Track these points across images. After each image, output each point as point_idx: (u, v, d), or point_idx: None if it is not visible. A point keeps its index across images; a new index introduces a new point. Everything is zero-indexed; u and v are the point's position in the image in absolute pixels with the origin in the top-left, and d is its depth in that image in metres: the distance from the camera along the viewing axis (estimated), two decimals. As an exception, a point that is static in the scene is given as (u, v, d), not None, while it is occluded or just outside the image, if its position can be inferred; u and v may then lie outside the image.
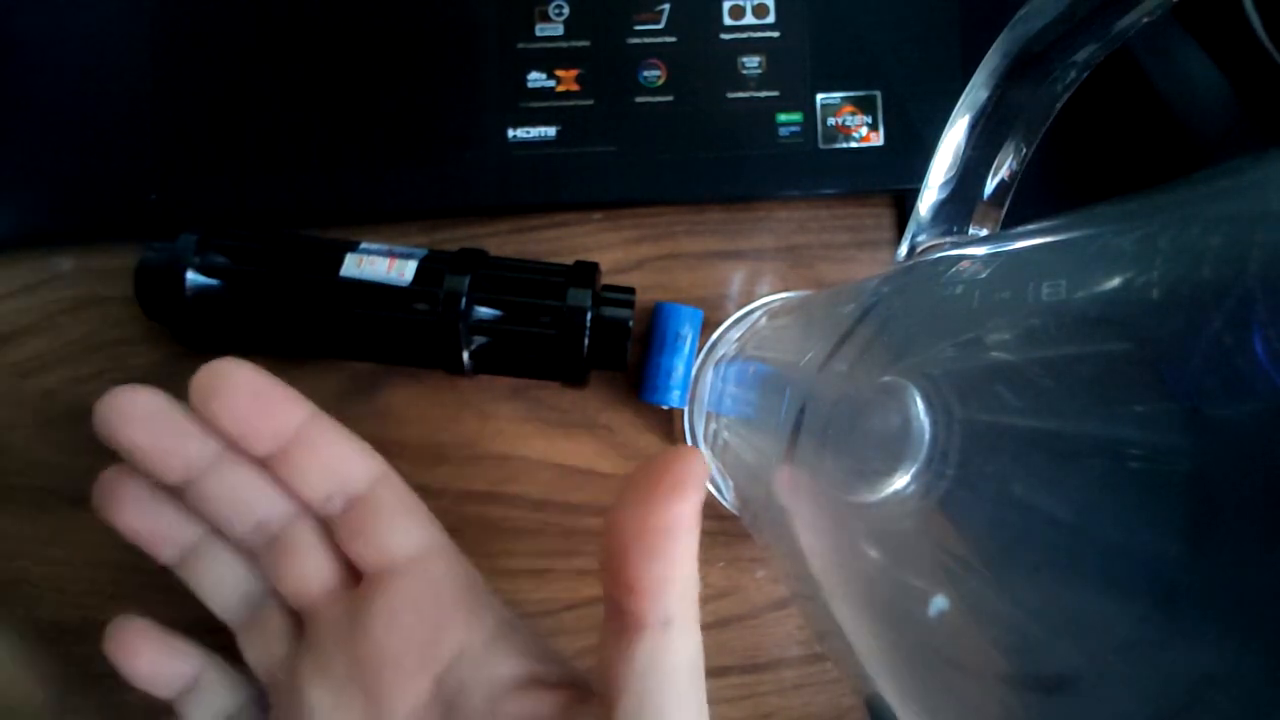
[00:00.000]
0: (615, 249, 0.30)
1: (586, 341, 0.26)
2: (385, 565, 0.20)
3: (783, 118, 0.29)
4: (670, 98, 0.29)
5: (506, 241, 0.30)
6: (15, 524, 0.28)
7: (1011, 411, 0.11)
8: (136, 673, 0.21)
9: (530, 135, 0.29)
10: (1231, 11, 0.25)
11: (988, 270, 0.14)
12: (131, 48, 0.28)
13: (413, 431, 0.30)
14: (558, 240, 0.30)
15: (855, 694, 0.16)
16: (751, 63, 0.29)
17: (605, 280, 0.29)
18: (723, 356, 0.28)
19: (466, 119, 0.29)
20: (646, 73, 0.29)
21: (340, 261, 0.26)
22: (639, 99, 0.29)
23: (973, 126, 0.17)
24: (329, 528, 0.21)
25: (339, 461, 0.20)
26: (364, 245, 0.27)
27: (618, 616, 0.16)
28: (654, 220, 0.30)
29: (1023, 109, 0.16)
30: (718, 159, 0.29)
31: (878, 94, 0.29)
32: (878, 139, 0.29)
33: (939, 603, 0.12)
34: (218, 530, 0.22)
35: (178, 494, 0.21)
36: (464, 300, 0.25)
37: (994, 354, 0.12)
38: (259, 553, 0.21)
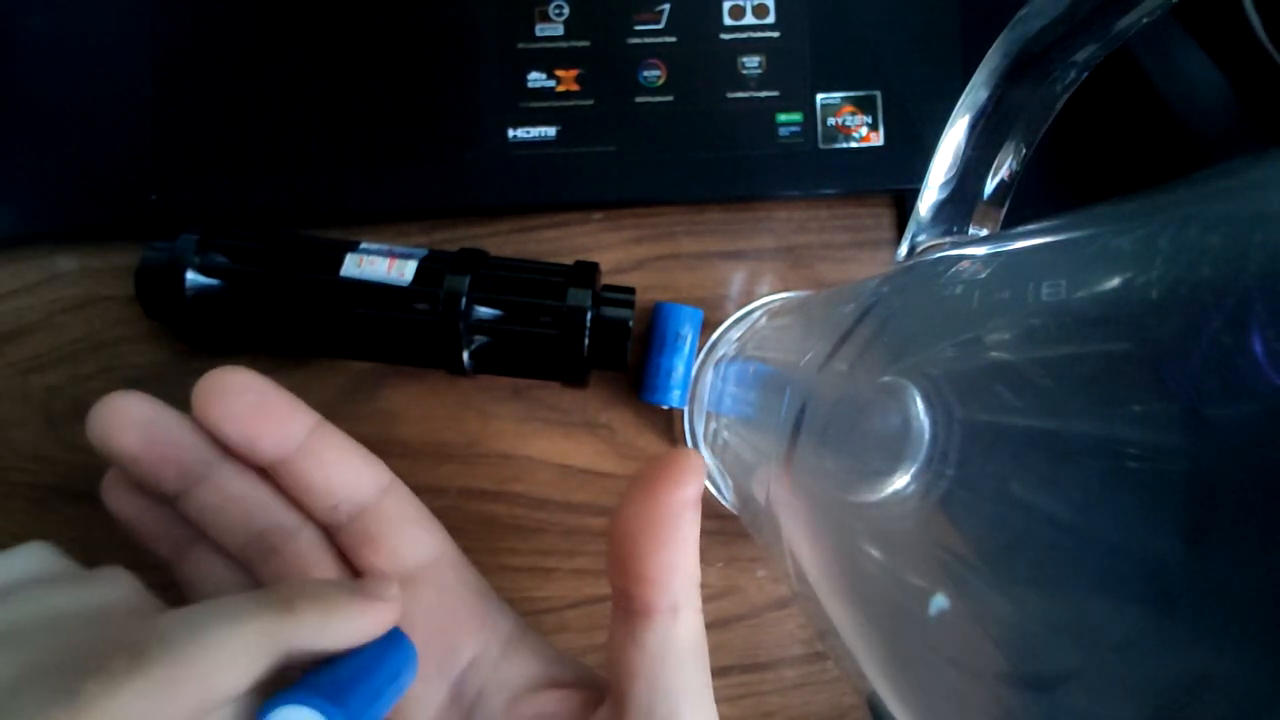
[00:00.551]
0: (615, 249, 0.30)
1: (586, 341, 0.26)
2: (397, 575, 0.20)
3: (783, 118, 0.29)
4: (670, 98, 0.29)
5: (506, 241, 0.30)
6: (18, 521, 0.28)
7: (1011, 411, 0.11)
8: None
9: (530, 135, 0.29)
10: (1231, 11, 0.25)
11: (988, 270, 0.14)
12: (132, 48, 0.28)
13: (414, 431, 0.30)
14: (558, 240, 0.30)
15: (856, 693, 0.16)
16: (751, 63, 0.29)
17: (605, 280, 0.29)
18: (723, 356, 0.28)
19: (466, 119, 0.29)
20: (646, 73, 0.29)
21: (340, 261, 0.26)
22: (639, 99, 0.29)
23: (973, 126, 0.17)
24: (333, 536, 0.21)
25: (346, 472, 0.20)
26: (364, 245, 0.27)
27: (627, 606, 0.17)
28: (654, 220, 0.30)
29: (1023, 109, 0.16)
30: (718, 159, 0.29)
31: (878, 94, 0.29)
32: (878, 139, 0.29)
33: (939, 602, 0.12)
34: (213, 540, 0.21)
35: (174, 502, 0.21)
36: (464, 300, 0.25)
37: (994, 354, 0.12)
38: (256, 563, 0.21)
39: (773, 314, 0.28)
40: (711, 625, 0.30)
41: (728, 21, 0.29)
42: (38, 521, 0.28)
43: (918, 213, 0.18)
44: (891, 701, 0.13)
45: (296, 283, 0.26)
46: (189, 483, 0.20)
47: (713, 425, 0.28)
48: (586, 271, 0.27)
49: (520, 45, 0.29)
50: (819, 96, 0.29)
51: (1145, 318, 0.09)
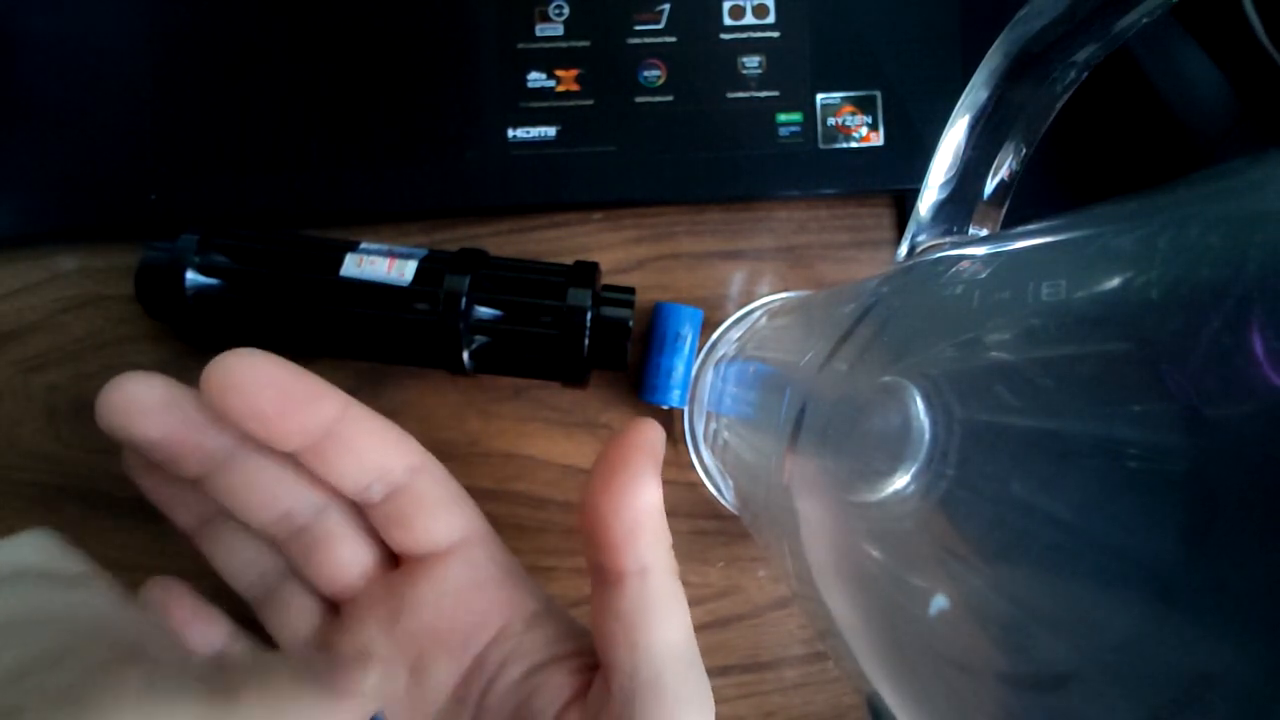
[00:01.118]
0: (615, 249, 0.30)
1: (587, 341, 0.26)
2: (428, 551, 0.20)
3: (783, 118, 0.29)
4: (670, 98, 0.29)
5: (506, 241, 0.30)
6: (22, 520, 0.28)
7: (1011, 411, 0.11)
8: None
9: (530, 135, 0.29)
10: (1231, 11, 0.25)
11: (988, 270, 0.14)
12: (133, 48, 0.28)
13: (415, 431, 0.29)
14: (558, 240, 0.30)
15: (856, 693, 0.16)
16: (751, 63, 0.29)
17: (605, 280, 0.29)
18: (723, 356, 0.28)
19: (466, 119, 0.29)
20: (646, 73, 0.29)
21: (340, 261, 0.26)
22: (639, 99, 0.29)
23: (973, 126, 0.17)
24: (362, 513, 0.20)
25: (376, 455, 0.19)
26: (364, 245, 0.27)
27: (602, 579, 0.17)
28: (654, 220, 0.30)
29: (1023, 109, 0.16)
30: (718, 159, 0.29)
31: (878, 94, 0.29)
32: (878, 139, 0.29)
33: (939, 602, 0.12)
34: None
35: (195, 482, 0.20)
36: (464, 300, 0.25)
37: (994, 354, 0.12)
38: (283, 540, 0.20)
39: (773, 314, 0.28)
40: (713, 625, 0.31)
41: (728, 21, 0.29)
42: (39, 520, 0.28)
43: (918, 213, 0.18)
44: (892, 701, 0.13)
45: (297, 282, 0.26)
46: (210, 468, 0.19)
47: (713, 425, 0.28)
48: (586, 271, 0.27)
49: (520, 45, 0.29)
50: (819, 96, 0.29)
51: (1145, 318, 0.09)
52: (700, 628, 0.30)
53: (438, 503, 0.20)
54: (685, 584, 0.30)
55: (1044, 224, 0.13)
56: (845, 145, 0.29)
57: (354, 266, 0.26)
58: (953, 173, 0.17)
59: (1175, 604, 0.08)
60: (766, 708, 0.31)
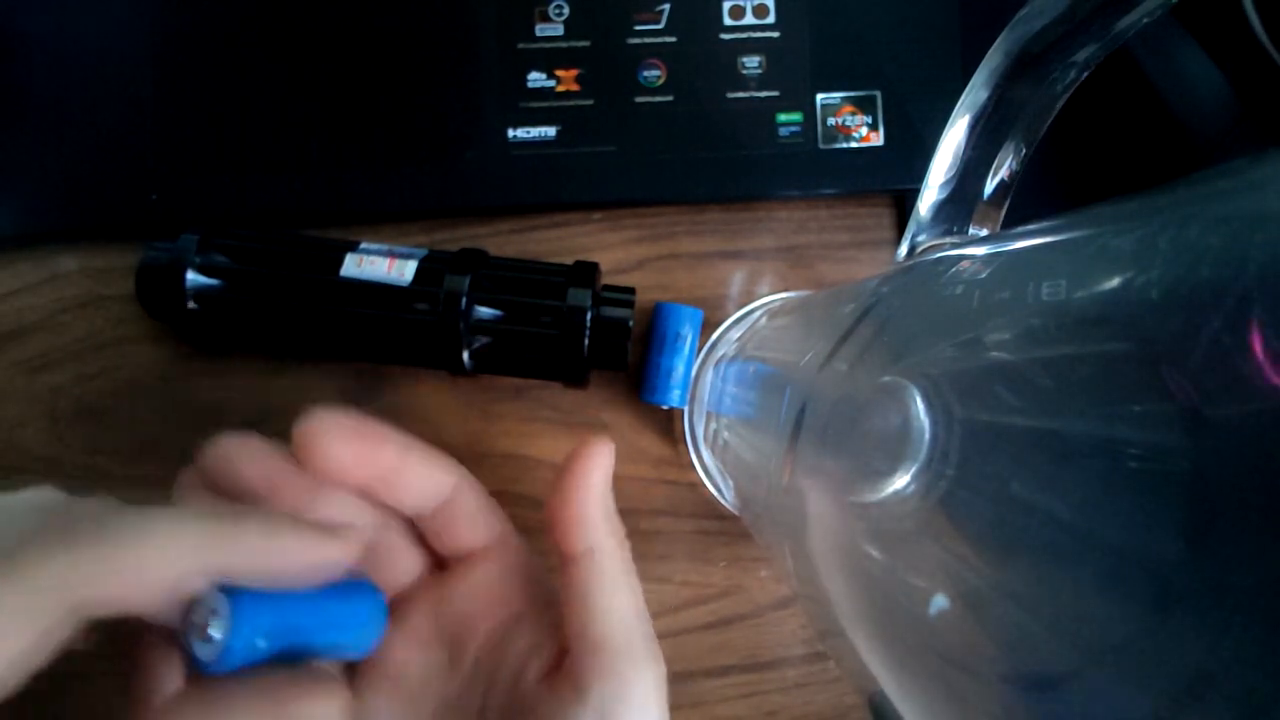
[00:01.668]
0: (615, 249, 0.30)
1: (587, 341, 0.26)
2: (466, 553, 0.23)
3: (783, 118, 0.29)
4: (670, 98, 0.29)
5: (506, 241, 0.30)
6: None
7: (1011, 411, 0.11)
8: None
9: (530, 135, 0.29)
10: (1231, 11, 0.25)
11: (988, 270, 0.14)
12: (133, 49, 0.28)
13: (415, 431, 0.29)
14: (558, 240, 0.30)
15: (857, 693, 0.16)
16: (751, 63, 0.29)
17: (605, 280, 0.29)
18: (723, 356, 0.28)
19: (466, 119, 0.29)
20: (646, 73, 0.29)
21: (340, 261, 0.26)
22: (639, 99, 0.29)
23: (973, 126, 0.17)
24: (414, 523, 0.23)
25: (428, 482, 0.22)
26: (364, 245, 0.27)
27: (561, 564, 0.21)
28: (654, 220, 0.30)
29: (1023, 109, 0.16)
30: (718, 159, 0.29)
31: (878, 94, 0.29)
32: (878, 139, 0.29)
33: (939, 602, 0.12)
34: None
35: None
36: (464, 300, 0.25)
37: (994, 354, 0.12)
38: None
39: (773, 314, 0.28)
40: (714, 625, 0.31)
41: (728, 21, 0.29)
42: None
43: (918, 213, 0.18)
44: (894, 700, 0.13)
45: (297, 283, 0.26)
46: (297, 504, 0.21)
47: (713, 425, 0.28)
48: (586, 271, 0.27)
49: (520, 45, 0.29)
50: (819, 96, 0.29)
51: (1145, 318, 0.09)
52: (702, 627, 0.31)
53: (474, 512, 0.23)
54: (687, 584, 0.30)
55: (1044, 224, 0.13)
56: (845, 145, 0.29)
57: (354, 266, 0.26)
58: (953, 173, 0.17)
59: (1175, 603, 0.08)
60: (767, 707, 0.31)
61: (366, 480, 0.21)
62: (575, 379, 0.27)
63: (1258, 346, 0.08)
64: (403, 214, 0.29)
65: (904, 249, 0.19)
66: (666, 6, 0.29)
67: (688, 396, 0.29)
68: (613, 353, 0.27)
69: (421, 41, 0.29)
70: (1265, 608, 0.07)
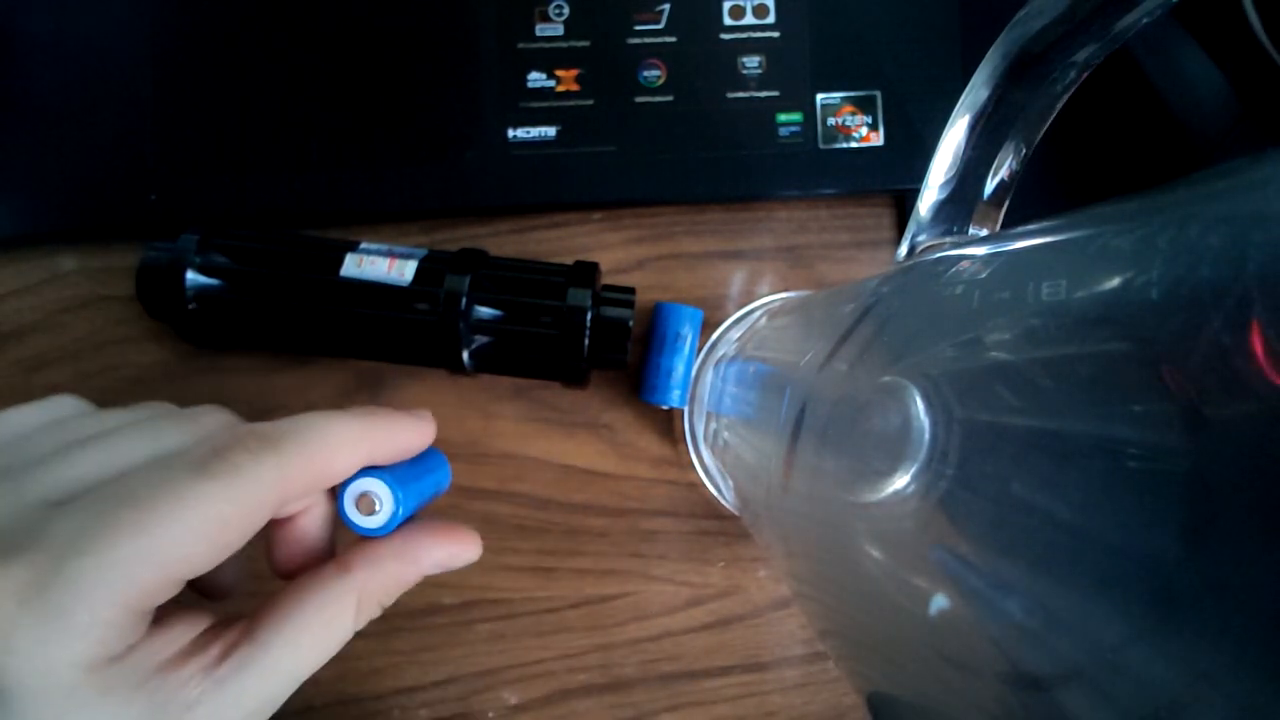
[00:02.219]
0: (615, 249, 0.30)
1: (587, 341, 0.26)
2: None
3: (783, 118, 0.29)
4: (670, 98, 0.29)
5: (506, 241, 0.30)
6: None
7: (1011, 411, 0.11)
8: None
9: (530, 135, 0.29)
10: (1231, 11, 0.25)
11: (988, 270, 0.14)
12: (133, 49, 0.28)
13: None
14: (558, 240, 0.30)
15: (856, 693, 0.16)
16: (751, 63, 0.29)
17: (605, 280, 0.29)
18: (723, 356, 0.28)
19: (466, 119, 0.29)
20: (646, 73, 0.29)
21: (340, 261, 0.26)
22: (639, 99, 0.29)
23: (973, 126, 0.17)
24: None
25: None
26: (364, 245, 0.27)
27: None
28: (654, 220, 0.30)
29: (1023, 109, 0.16)
30: (718, 159, 0.29)
31: (878, 94, 0.29)
32: (878, 139, 0.29)
33: (939, 602, 0.12)
34: None
35: None
36: (464, 300, 0.25)
37: (994, 354, 0.12)
38: None
39: (773, 314, 0.28)
40: (713, 625, 0.31)
41: (728, 21, 0.29)
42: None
43: (918, 213, 0.18)
44: (894, 701, 0.13)
45: (297, 283, 0.26)
46: None
47: (713, 425, 0.28)
48: (586, 271, 0.27)
49: (520, 45, 0.29)
50: (819, 96, 0.29)
51: (1145, 318, 0.09)
52: (701, 628, 0.31)
53: None
54: (686, 584, 0.31)
55: (1044, 224, 0.13)
56: (845, 145, 0.29)
57: (354, 266, 0.26)
58: (953, 173, 0.17)
59: (1175, 604, 0.08)
60: (767, 708, 0.31)
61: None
62: (575, 379, 0.27)
63: (1258, 346, 0.08)
64: (403, 214, 0.29)
65: (904, 249, 0.19)
66: (666, 6, 0.29)
67: (688, 396, 0.29)
68: (613, 353, 0.27)
69: (421, 41, 0.29)
70: (1265, 608, 0.07)
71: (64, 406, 0.18)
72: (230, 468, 0.15)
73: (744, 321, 0.29)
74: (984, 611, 0.11)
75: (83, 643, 0.14)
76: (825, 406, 0.17)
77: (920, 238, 0.18)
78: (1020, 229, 0.14)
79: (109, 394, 0.29)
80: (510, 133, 0.29)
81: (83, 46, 0.28)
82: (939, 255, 0.17)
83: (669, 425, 0.30)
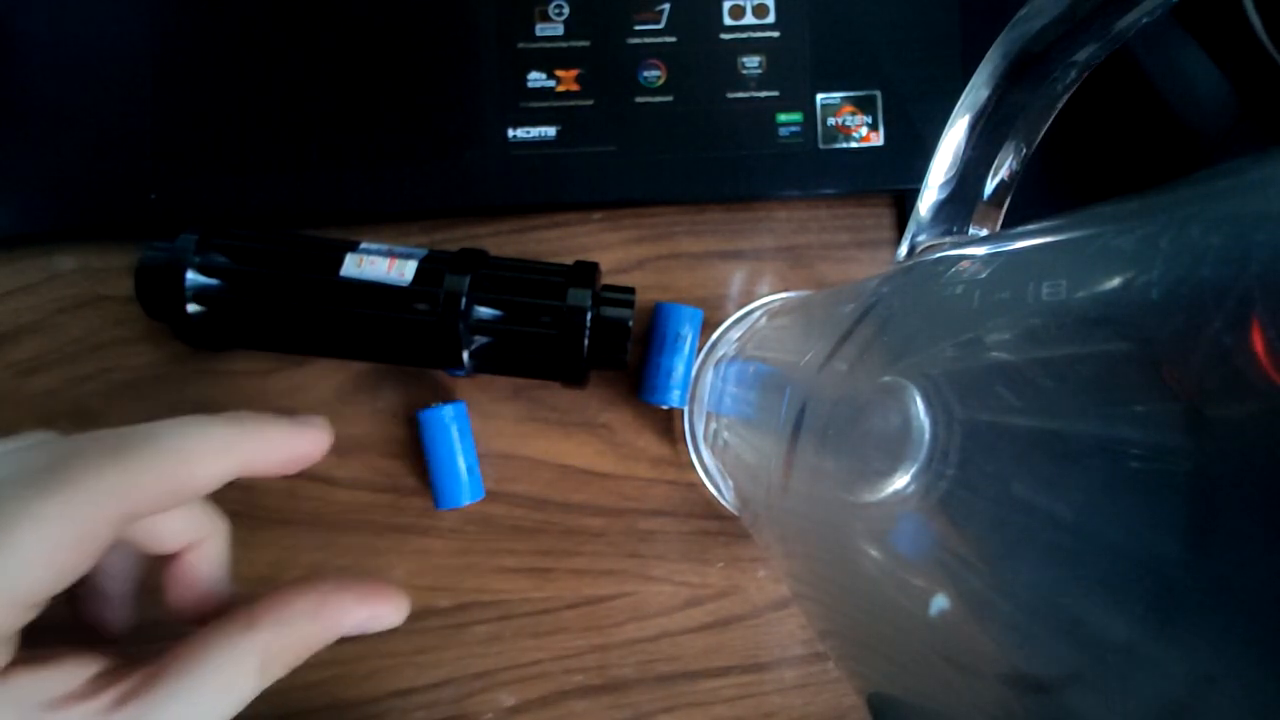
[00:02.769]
0: (615, 249, 0.30)
1: (586, 341, 0.26)
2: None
3: (783, 118, 0.29)
4: (670, 98, 0.29)
5: (506, 241, 0.30)
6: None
7: (1011, 411, 0.11)
8: None
9: (530, 135, 0.29)
10: (1231, 11, 0.25)
11: (988, 270, 0.14)
12: (132, 48, 0.28)
13: (415, 431, 0.30)
14: (558, 240, 0.30)
15: (856, 693, 0.16)
16: (751, 63, 0.29)
17: (605, 280, 0.29)
18: (723, 356, 0.28)
19: (466, 119, 0.29)
20: (646, 73, 0.29)
21: (340, 261, 0.26)
22: (639, 99, 0.29)
23: (973, 126, 0.17)
24: None
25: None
26: (364, 245, 0.27)
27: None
28: (654, 220, 0.30)
29: (1023, 109, 0.16)
30: (718, 159, 0.29)
31: (878, 94, 0.29)
32: (878, 139, 0.29)
33: (939, 602, 0.12)
34: None
35: None
36: (464, 300, 0.25)
37: (994, 354, 0.12)
38: None
39: (773, 314, 0.28)
40: (713, 625, 0.31)
41: (728, 21, 0.29)
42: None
43: (918, 213, 0.18)
44: (894, 701, 0.13)
45: (296, 283, 0.26)
46: None
47: (713, 425, 0.28)
48: (586, 271, 0.27)
49: (520, 45, 0.29)
50: (819, 96, 0.29)
51: (1146, 318, 0.09)
52: (700, 628, 0.31)
53: None
54: (685, 584, 0.30)
55: (1044, 224, 0.13)
56: (845, 145, 0.29)
57: (354, 266, 0.26)
58: (953, 173, 0.17)
59: (1177, 604, 0.08)
60: (766, 708, 0.31)
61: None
62: (575, 379, 0.27)
63: (1259, 346, 0.08)
64: (403, 214, 0.29)
65: (904, 249, 0.19)
66: (666, 6, 0.29)
67: (687, 396, 0.29)
68: (613, 353, 0.27)
69: (421, 42, 0.29)
70: (1266, 608, 0.07)
71: None
72: (62, 482, 0.14)
73: (744, 321, 0.29)
74: (984, 612, 0.11)
75: None
76: (825, 406, 0.17)
77: (920, 238, 0.18)
78: (1020, 229, 0.14)
79: (106, 395, 0.29)
80: (510, 133, 0.29)
81: (83, 46, 0.28)
82: (939, 255, 0.17)
83: (669, 425, 0.30)
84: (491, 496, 0.30)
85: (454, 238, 0.30)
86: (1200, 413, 0.08)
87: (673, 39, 0.29)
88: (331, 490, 0.29)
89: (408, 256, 0.26)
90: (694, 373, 0.29)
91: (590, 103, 0.29)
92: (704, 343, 0.30)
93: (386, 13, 0.29)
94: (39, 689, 0.15)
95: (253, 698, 0.16)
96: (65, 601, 0.18)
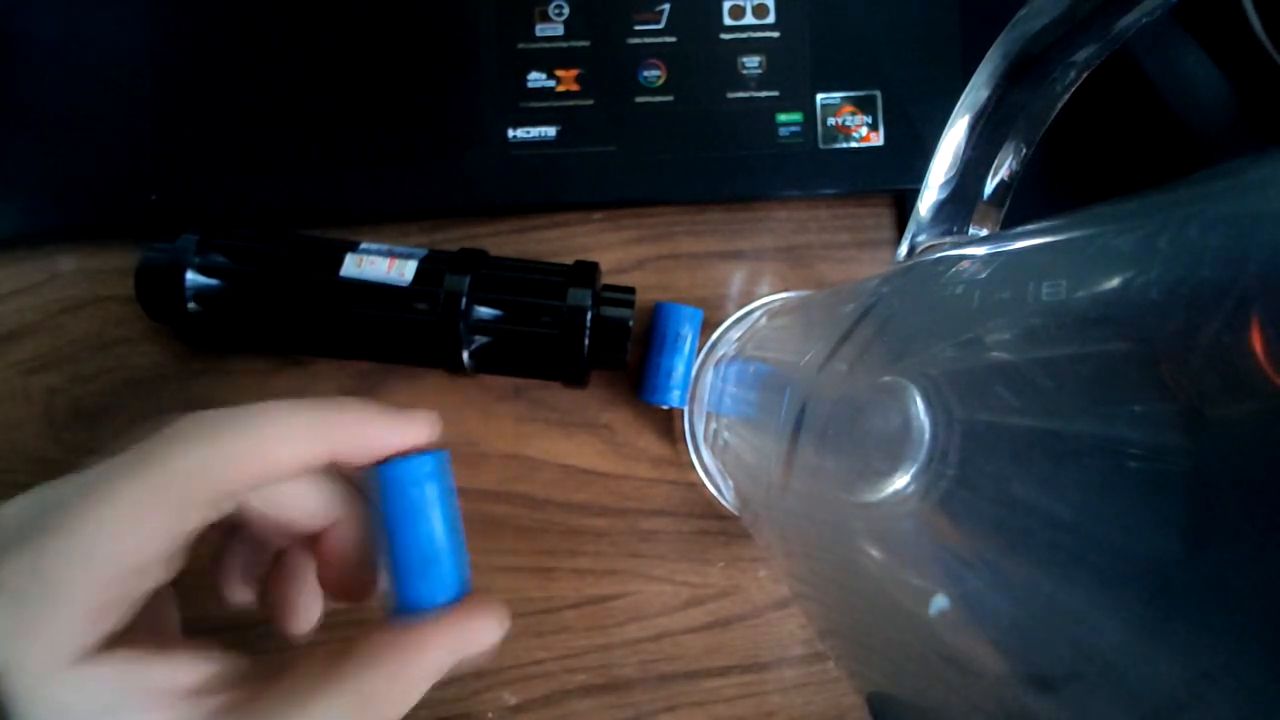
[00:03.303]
0: (615, 249, 0.30)
1: (587, 341, 0.26)
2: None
3: (783, 118, 0.29)
4: (670, 98, 0.29)
5: (506, 241, 0.30)
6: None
7: (1011, 411, 0.11)
8: None
9: (530, 135, 0.29)
10: (1231, 11, 0.25)
11: (988, 270, 0.14)
12: (133, 49, 0.28)
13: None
14: (558, 240, 0.30)
15: (856, 693, 0.16)
16: (751, 63, 0.29)
17: (605, 280, 0.29)
18: (723, 356, 0.28)
19: (466, 119, 0.29)
20: (646, 73, 0.29)
21: (340, 261, 0.26)
22: (639, 99, 0.29)
23: (973, 126, 0.17)
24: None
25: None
26: (364, 245, 0.27)
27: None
28: (654, 220, 0.30)
29: (1023, 109, 0.16)
30: (718, 159, 0.29)
31: (878, 94, 0.29)
32: (878, 139, 0.29)
33: (939, 602, 0.12)
34: None
35: None
36: (464, 300, 0.25)
37: (994, 354, 0.12)
38: None
39: (773, 314, 0.28)
40: (713, 625, 0.31)
41: (728, 21, 0.29)
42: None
43: (918, 213, 0.18)
44: (894, 701, 0.13)
45: (297, 283, 0.26)
46: None
47: (713, 425, 0.28)
48: (586, 271, 0.27)
49: (520, 45, 0.29)
50: (819, 96, 0.29)
51: (1145, 318, 0.09)
52: (700, 628, 0.31)
53: None
54: (686, 584, 0.30)
55: (1044, 224, 0.13)
56: (845, 145, 0.29)
57: (354, 266, 0.26)
58: (953, 173, 0.17)
59: (1175, 604, 0.08)
60: (766, 708, 0.31)
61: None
62: (575, 379, 0.27)
63: (1258, 346, 0.08)
64: (403, 214, 0.29)
65: (904, 249, 0.19)
66: (666, 6, 0.29)
67: (688, 396, 0.29)
68: (613, 353, 0.27)
69: (421, 42, 0.29)
70: (1264, 607, 0.07)
71: None
72: (147, 458, 0.15)
73: (744, 321, 0.29)
74: (984, 612, 0.11)
75: (49, 633, 0.14)
76: (825, 406, 0.17)
77: (920, 238, 0.18)
78: (1020, 229, 0.14)
79: (106, 396, 0.29)
80: (510, 133, 0.29)
81: (83, 47, 0.28)
82: (939, 255, 0.17)
83: (669, 425, 0.30)
84: (493, 496, 0.30)
85: (454, 238, 0.30)
86: (1199, 413, 0.08)
87: (673, 39, 0.29)
88: (332, 490, 0.29)
89: (408, 256, 0.26)
90: (694, 373, 0.29)
91: (590, 103, 0.29)
92: (704, 343, 0.30)
93: (386, 13, 0.29)
94: (145, 673, 0.15)
95: None
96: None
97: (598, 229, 0.30)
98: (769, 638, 0.31)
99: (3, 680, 0.14)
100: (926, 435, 0.13)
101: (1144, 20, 0.14)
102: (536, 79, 0.29)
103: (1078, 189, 0.30)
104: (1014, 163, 0.17)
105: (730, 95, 0.29)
